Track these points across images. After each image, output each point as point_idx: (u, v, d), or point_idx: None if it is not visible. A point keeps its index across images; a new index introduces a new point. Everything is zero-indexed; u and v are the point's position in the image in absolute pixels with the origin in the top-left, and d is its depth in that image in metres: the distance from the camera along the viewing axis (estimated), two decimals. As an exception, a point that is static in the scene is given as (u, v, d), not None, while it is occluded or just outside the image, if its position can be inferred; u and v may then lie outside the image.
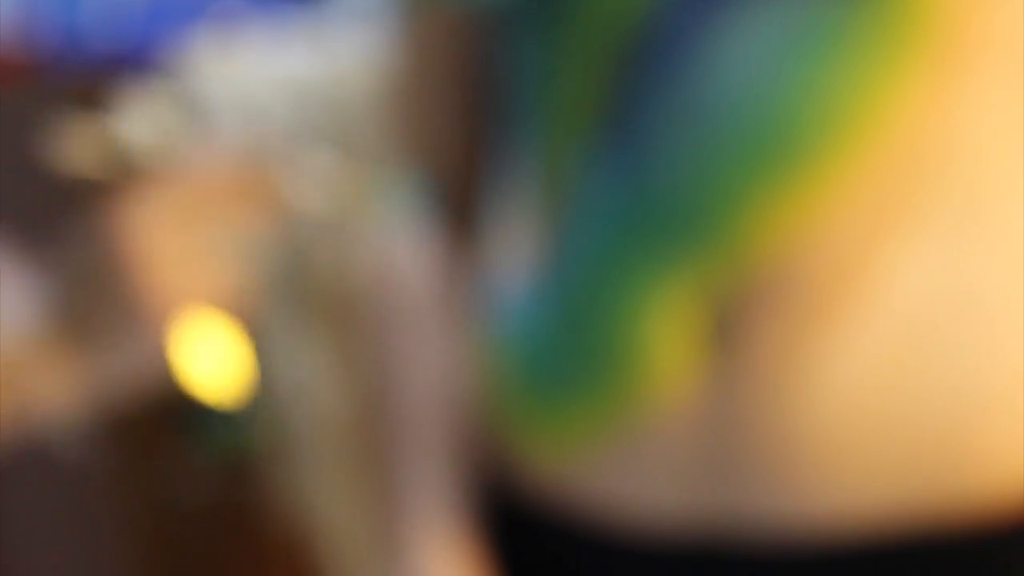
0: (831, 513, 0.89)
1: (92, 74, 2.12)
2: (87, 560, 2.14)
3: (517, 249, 1.00)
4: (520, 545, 0.99)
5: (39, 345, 0.79)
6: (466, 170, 1.07)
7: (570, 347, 0.94)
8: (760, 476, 0.89)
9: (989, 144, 0.89)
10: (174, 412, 1.92)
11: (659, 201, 0.91)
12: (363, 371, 1.06)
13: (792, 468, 0.88)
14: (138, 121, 0.82)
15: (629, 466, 0.93)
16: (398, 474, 0.99)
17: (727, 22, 0.89)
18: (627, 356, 0.92)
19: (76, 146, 0.82)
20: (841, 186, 0.88)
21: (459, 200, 1.07)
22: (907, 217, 0.88)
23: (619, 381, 0.92)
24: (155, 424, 2.06)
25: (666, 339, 0.91)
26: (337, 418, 2.19)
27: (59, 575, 2.15)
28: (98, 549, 2.14)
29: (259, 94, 2.18)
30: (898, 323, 0.87)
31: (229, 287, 0.82)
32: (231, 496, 2.15)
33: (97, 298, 0.80)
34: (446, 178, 1.07)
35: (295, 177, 0.86)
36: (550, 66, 0.96)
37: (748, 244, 0.89)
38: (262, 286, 0.89)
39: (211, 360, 0.88)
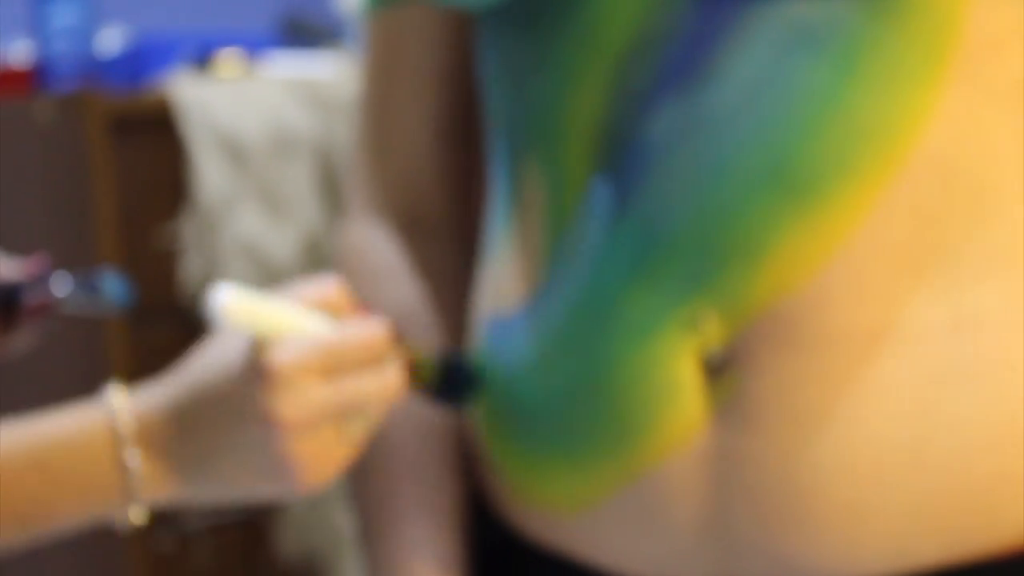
0: (845, 567, 0.81)
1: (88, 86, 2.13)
2: None
3: (505, 281, 0.91)
4: None
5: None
6: (440, 181, 0.98)
7: (568, 395, 0.85)
8: (772, 530, 0.81)
9: (1010, 168, 0.81)
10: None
11: (665, 235, 0.82)
12: None
13: (806, 522, 0.80)
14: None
15: (632, 517, 0.84)
16: (388, 507, 0.92)
17: (739, 45, 0.81)
18: (631, 404, 0.83)
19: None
20: (862, 219, 0.79)
21: (432, 214, 0.98)
22: (931, 255, 0.80)
23: (623, 431, 0.84)
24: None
25: (672, 386, 0.82)
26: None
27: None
28: None
29: (240, 120, 2.20)
30: (918, 365, 0.80)
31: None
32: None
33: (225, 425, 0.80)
34: (416, 188, 0.97)
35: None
36: (541, 81, 0.86)
37: (763, 283, 0.80)
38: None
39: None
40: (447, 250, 0.97)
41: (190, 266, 2.14)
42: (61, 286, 1.05)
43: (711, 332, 0.81)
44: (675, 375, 0.82)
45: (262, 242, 2.17)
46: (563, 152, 0.85)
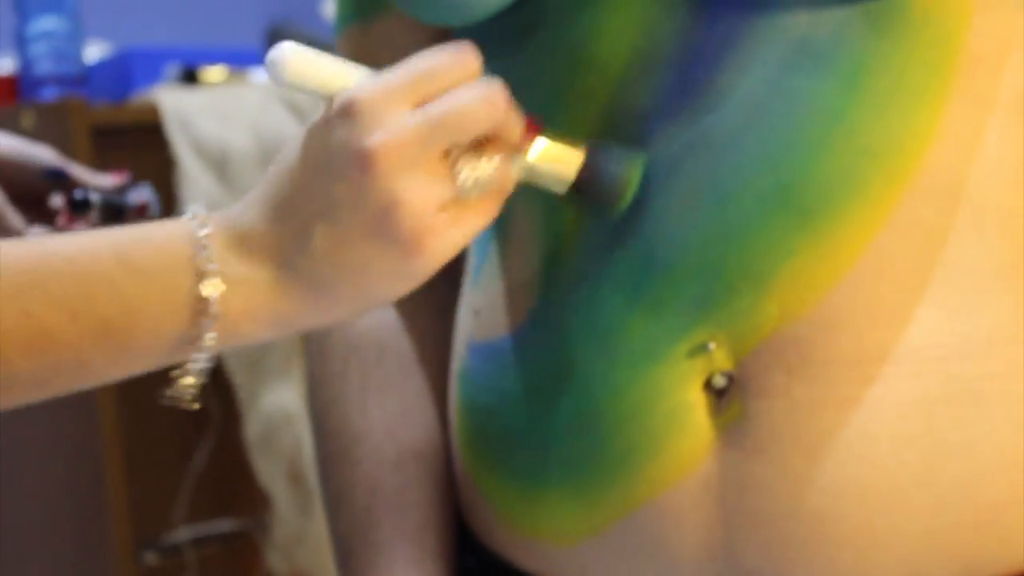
0: None
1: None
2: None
3: (489, 306, 0.88)
4: None
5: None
6: None
7: (566, 424, 0.82)
8: (780, 558, 0.79)
9: (1012, 184, 0.79)
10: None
11: (668, 260, 0.79)
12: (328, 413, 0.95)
13: (815, 548, 0.78)
14: None
15: (633, 548, 0.82)
16: (369, 538, 0.90)
17: (740, 63, 0.78)
18: (634, 433, 0.80)
19: None
20: (870, 240, 0.77)
21: None
22: (937, 273, 0.78)
23: (625, 460, 0.81)
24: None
25: (677, 413, 0.79)
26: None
27: None
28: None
29: (227, 130, 2.19)
30: (926, 387, 0.77)
31: None
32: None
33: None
34: None
35: None
36: (531, 102, 0.81)
37: (771, 308, 0.78)
38: None
39: None
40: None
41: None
42: (147, 193, 1.18)
43: (717, 358, 0.79)
44: (680, 402, 0.79)
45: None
46: None
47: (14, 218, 1.17)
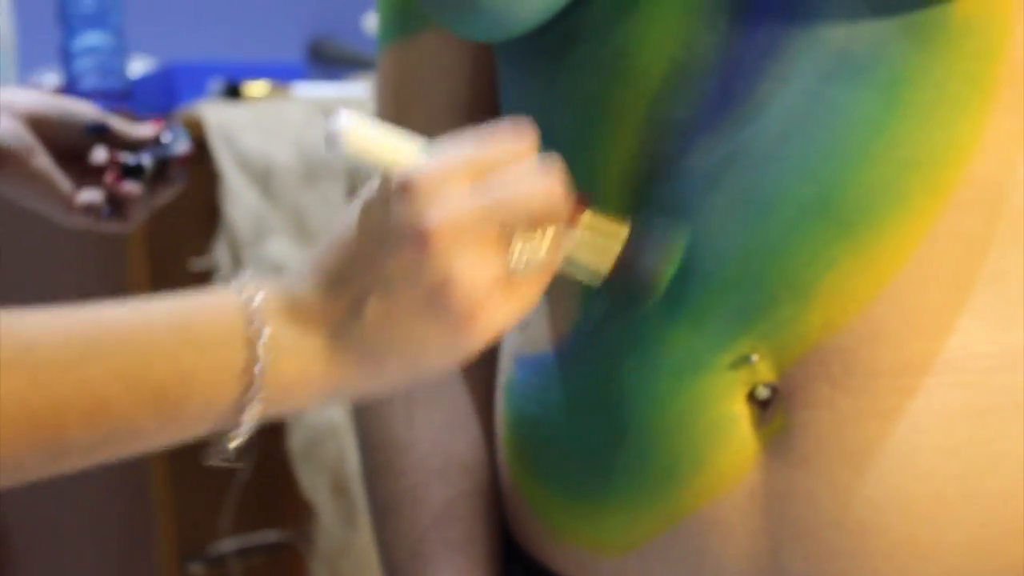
0: None
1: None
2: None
3: (534, 320, 0.89)
4: None
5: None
6: None
7: (610, 437, 0.83)
8: (825, 570, 0.79)
9: None
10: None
11: (709, 272, 0.79)
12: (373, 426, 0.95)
13: (860, 559, 0.78)
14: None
15: (678, 559, 0.82)
16: (418, 552, 0.91)
17: (780, 74, 0.78)
18: (678, 445, 0.81)
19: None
20: (912, 251, 0.77)
21: None
22: (979, 284, 0.78)
23: (670, 472, 0.81)
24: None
25: (721, 424, 0.80)
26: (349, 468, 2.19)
27: None
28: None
29: (271, 144, 2.20)
30: (968, 398, 0.78)
31: None
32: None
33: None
34: None
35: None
36: (570, 115, 0.83)
37: (813, 320, 0.78)
38: None
39: None
40: None
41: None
42: (186, 140, 1.20)
43: (760, 369, 0.79)
44: (723, 414, 0.80)
45: (293, 266, 2.16)
46: (597, 189, 0.82)
47: (63, 181, 1.18)
